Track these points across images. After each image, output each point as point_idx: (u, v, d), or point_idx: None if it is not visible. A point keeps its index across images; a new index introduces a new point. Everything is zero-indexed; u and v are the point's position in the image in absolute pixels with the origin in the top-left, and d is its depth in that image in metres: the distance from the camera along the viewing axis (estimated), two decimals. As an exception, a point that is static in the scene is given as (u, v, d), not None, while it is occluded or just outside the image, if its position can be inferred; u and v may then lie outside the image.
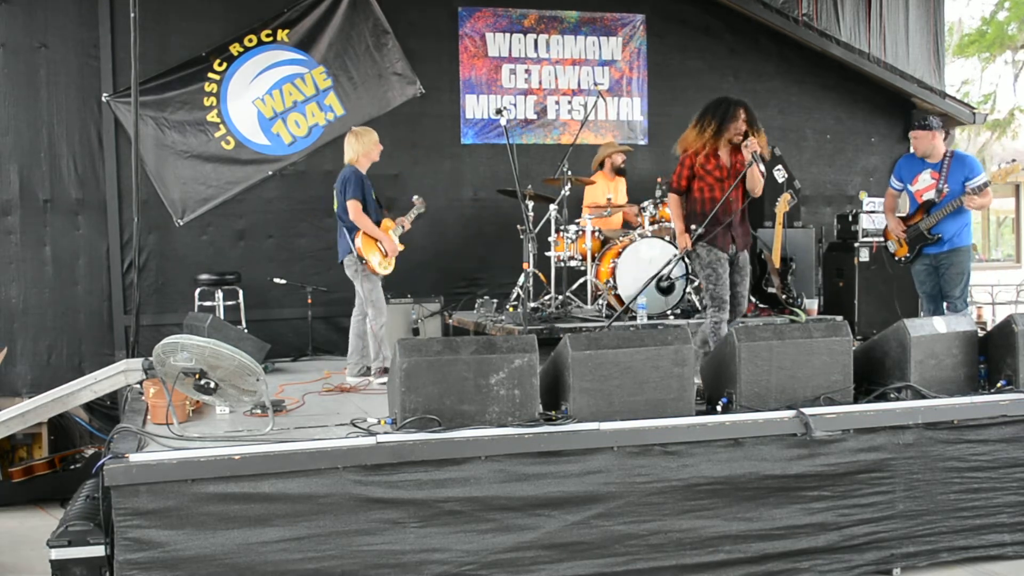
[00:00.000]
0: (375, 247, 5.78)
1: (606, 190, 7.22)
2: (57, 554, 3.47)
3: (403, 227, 6.02)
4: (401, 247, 5.98)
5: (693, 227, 5.11)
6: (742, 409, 4.10)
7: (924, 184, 5.74)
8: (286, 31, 7.51)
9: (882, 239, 6.33)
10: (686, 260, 5.87)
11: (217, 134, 7.39)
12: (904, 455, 4.13)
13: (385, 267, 5.85)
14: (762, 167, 5.02)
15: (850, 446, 4.06)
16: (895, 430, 4.11)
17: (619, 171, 7.46)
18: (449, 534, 3.63)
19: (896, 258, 5.96)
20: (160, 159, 7.25)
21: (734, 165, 5.13)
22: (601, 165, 7.48)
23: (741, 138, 5.04)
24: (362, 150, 5.86)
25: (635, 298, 5.80)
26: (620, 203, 7.12)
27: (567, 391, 3.91)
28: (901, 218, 5.88)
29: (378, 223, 5.83)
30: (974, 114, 9.50)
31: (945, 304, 5.70)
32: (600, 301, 6.44)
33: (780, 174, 5.30)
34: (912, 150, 5.92)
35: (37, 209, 7.02)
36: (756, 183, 5.07)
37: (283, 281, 7.33)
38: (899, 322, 4.37)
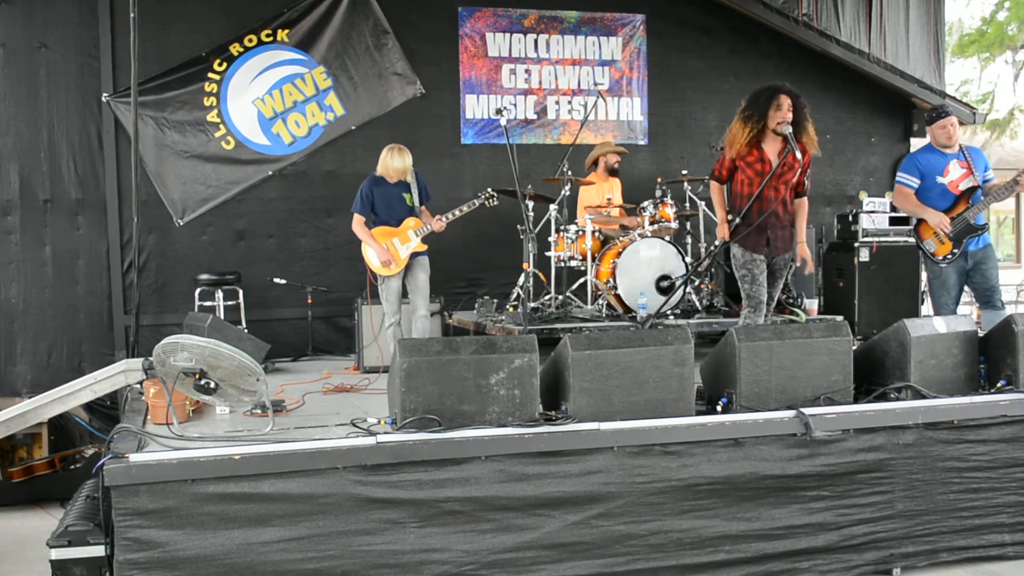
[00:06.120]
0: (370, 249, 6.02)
1: (602, 190, 7.20)
2: (57, 554, 3.47)
3: (431, 227, 6.04)
4: (422, 247, 6.04)
5: (730, 217, 4.94)
6: (742, 409, 4.10)
7: (958, 174, 5.48)
8: (286, 31, 7.51)
9: (914, 240, 5.70)
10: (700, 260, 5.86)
11: (217, 134, 7.39)
12: (904, 455, 4.13)
13: (385, 269, 5.96)
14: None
15: (850, 446, 4.05)
16: (895, 430, 4.11)
17: (612, 172, 7.40)
18: (449, 534, 3.63)
19: (938, 258, 5.48)
20: (160, 159, 7.25)
21: (782, 163, 4.80)
22: (596, 164, 7.46)
23: (785, 127, 4.74)
24: (380, 165, 6.09)
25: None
26: (619, 203, 7.11)
27: (567, 391, 3.91)
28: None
29: (398, 225, 6.01)
30: (974, 114, 9.48)
31: (988, 301, 5.47)
32: (600, 301, 6.44)
33: None
34: (937, 141, 5.55)
35: (37, 209, 7.03)
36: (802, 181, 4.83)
37: (283, 281, 7.34)
38: (899, 322, 4.37)
